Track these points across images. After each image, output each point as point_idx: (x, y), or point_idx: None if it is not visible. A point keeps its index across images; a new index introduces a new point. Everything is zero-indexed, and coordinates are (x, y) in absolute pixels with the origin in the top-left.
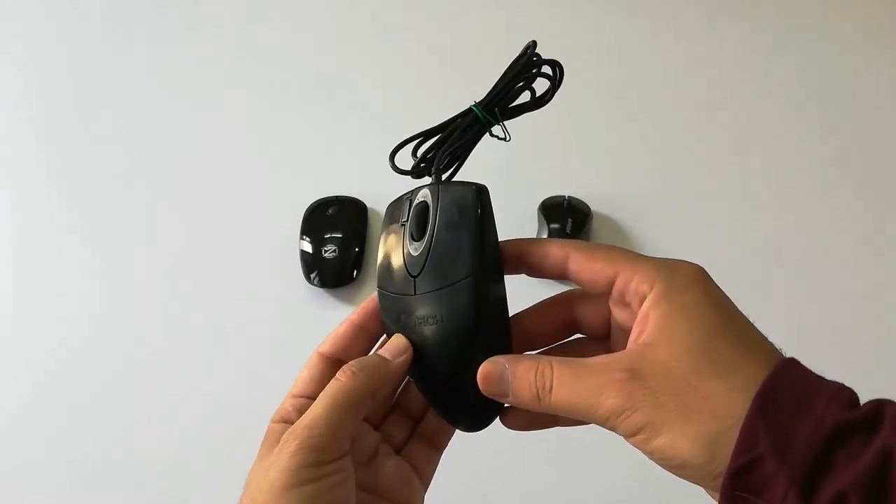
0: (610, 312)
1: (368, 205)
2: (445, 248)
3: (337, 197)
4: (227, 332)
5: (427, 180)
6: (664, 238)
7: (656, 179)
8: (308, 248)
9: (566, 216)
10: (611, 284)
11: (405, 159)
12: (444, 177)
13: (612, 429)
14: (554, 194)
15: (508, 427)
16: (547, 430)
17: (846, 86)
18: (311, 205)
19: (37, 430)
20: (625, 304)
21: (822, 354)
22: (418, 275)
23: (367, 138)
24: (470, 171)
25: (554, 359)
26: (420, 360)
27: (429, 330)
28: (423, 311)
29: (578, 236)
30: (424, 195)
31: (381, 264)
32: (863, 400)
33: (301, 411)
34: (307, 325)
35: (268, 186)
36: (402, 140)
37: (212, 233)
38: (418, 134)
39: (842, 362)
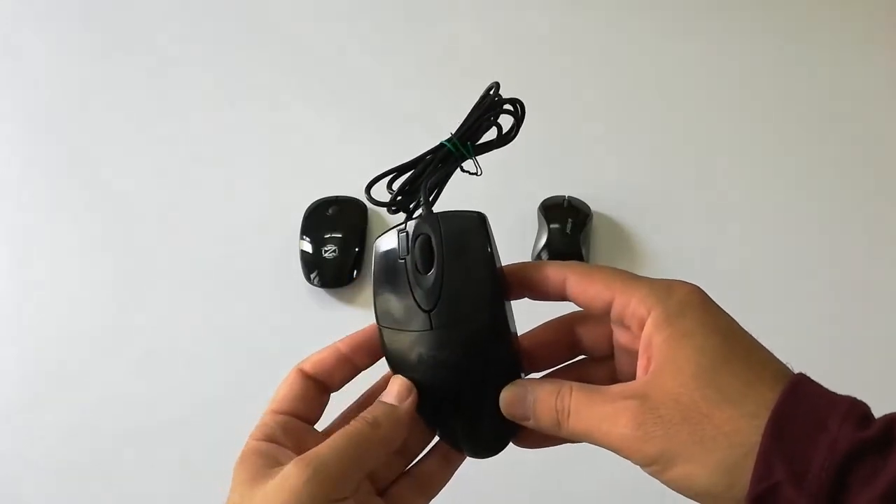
0: (611, 333)
1: (368, 205)
2: (458, 279)
3: (337, 197)
4: (227, 332)
5: (403, 215)
6: (665, 238)
7: (657, 179)
8: (308, 248)
9: (566, 216)
10: (608, 307)
11: (380, 193)
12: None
13: (626, 457)
14: (554, 194)
15: (520, 446)
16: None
17: (849, 87)
18: (311, 205)
19: (35, 431)
20: (624, 326)
21: (825, 356)
22: (432, 309)
23: (367, 138)
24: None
25: (574, 384)
26: (435, 392)
27: (449, 362)
28: (443, 344)
29: (578, 236)
30: (421, 227)
31: (384, 301)
32: (873, 407)
33: (288, 430)
34: (307, 325)
35: (268, 186)
36: (376, 175)
37: (212, 232)
38: (392, 169)
39: (846, 363)
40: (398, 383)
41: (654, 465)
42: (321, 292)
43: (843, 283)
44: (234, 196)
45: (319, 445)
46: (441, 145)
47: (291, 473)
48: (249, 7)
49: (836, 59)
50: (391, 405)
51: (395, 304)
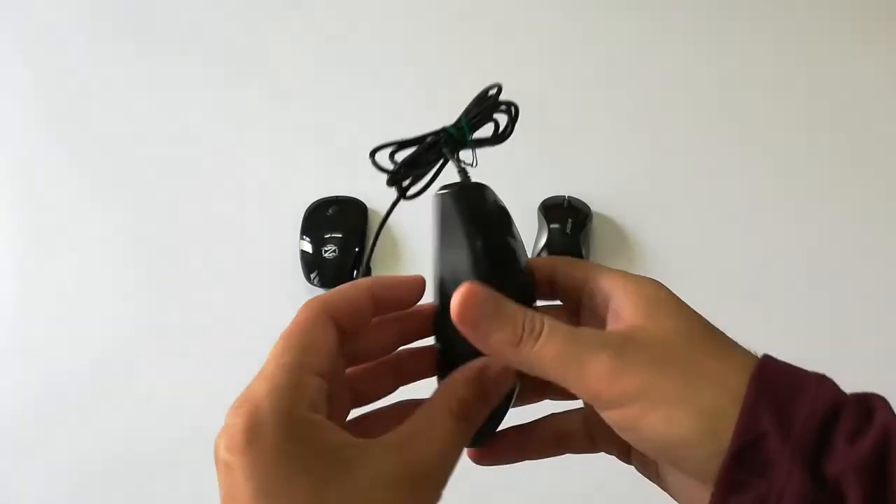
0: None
1: (368, 205)
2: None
3: (337, 197)
4: (227, 331)
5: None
6: (665, 238)
7: (657, 179)
8: (308, 248)
9: (566, 216)
10: (582, 289)
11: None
12: (415, 190)
13: (595, 397)
14: (554, 194)
15: (476, 457)
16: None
17: (849, 86)
18: (311, 205)
19: (36, 431)
20: (594, 311)
21: (825, 356)
22: (523, 265)
23: (367, 138)
24: (472, 171)
25: (546, 315)
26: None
27: None
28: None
29: (578, 236)
30: (485, 189)
31: (496, 249)
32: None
33: (323, 395)
34: None
35: (268, 186)
36: (381, 143)
37: (212, 233)
38: (395, 141)
39: (846, 363)
40: (500, 366)
41: (632, 404)
42: (321, 292)
43: (844, 282)
44: (234, 196)
45: (428, 456)
46: (443, 129)
47: (420, 493)
48: (251, 11)
49: (837, 59)
50: (487, 399)
51: (506, 255)
